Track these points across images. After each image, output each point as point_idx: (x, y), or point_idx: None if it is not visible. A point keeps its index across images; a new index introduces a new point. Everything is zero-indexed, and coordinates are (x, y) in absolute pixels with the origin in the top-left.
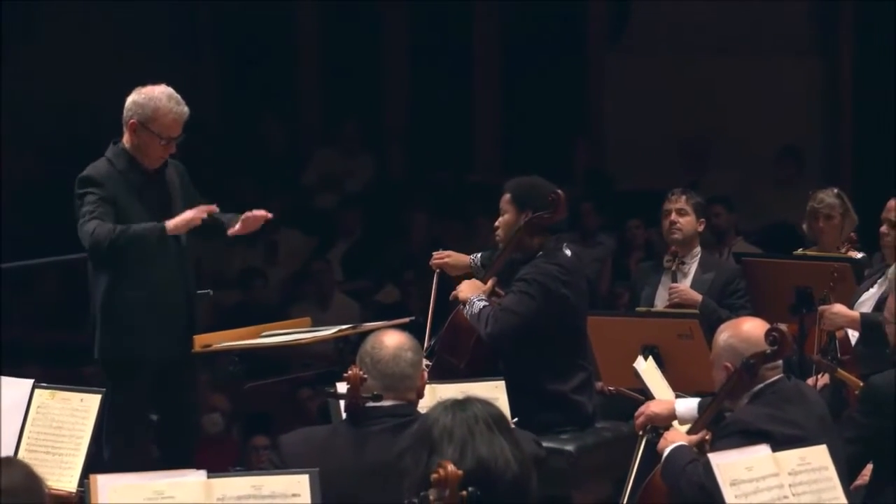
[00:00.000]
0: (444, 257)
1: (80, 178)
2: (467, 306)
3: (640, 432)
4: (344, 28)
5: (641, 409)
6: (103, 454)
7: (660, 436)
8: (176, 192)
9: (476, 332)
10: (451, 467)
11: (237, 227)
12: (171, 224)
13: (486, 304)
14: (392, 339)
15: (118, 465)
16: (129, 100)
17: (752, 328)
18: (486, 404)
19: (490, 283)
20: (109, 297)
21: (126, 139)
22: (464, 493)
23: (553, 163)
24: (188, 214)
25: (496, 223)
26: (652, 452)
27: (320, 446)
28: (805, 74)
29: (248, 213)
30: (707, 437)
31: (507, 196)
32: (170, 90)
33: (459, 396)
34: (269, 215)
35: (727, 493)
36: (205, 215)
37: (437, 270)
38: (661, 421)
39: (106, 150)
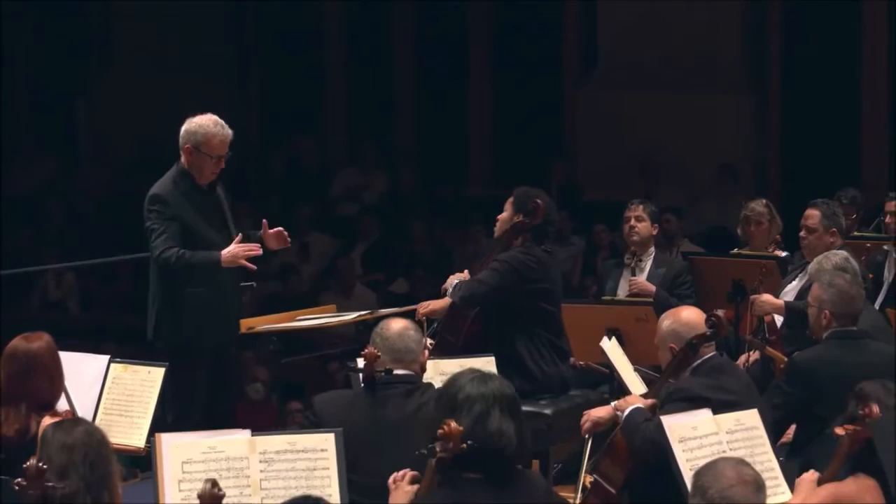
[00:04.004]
0: (427, 307)
1: (150, 196)
2: (449, 287)
3: (587, 436)
4: (364, 67)
5: (585, 416)
6: (167, 417)
7: (599, 463)
8: (225, 206)
9: (470, 316)
10: (454, 424)
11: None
12: (225, 257)
13: (460, 281)
14: (398, 324)
15: (179, 426)
16: (183, 129)
17: (689, 315)
18: (505, 385)
19: None
20: (173, 292)
21: (183, 161)
22: (464, 445)
23: (534, 178)
24: (237, 253)
25: (497, 217)
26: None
27: (346, 406)
28: (741, 107)
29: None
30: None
31: (511, 198)
32: (215, 117)
33: (454, 370)
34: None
35: (676, 448)
36: (249, 258)
37: (424, 319)
38: (604, 423)
39: (170, 169)
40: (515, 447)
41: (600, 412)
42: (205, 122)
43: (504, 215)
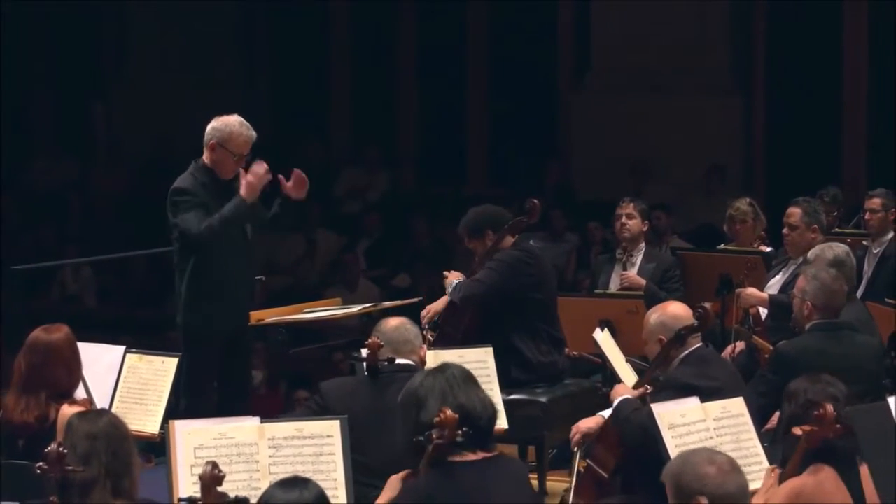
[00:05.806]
0: (429, 312)
1: (173, 189)
2: (448, 287)
3: (576, 448)
4: (368, 73)
5: (574, 429)
6: (180, 405)
7: (591, 449)
8: None
9: (470, 310)
10: (450, 412)
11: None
12: (243, 193)
13: (460, 281)
14: (396, 319)
15: (191, 413)
16: (210, 126)
17: (676, 309)
18: (456, 366)
19: None
20: (193, 281)
21: (206, 156)
22: (459, 432)
23: (531, 179)
24: (250, 179)
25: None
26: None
27: (350, 391)
28: (728, 109)
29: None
30: (648, 391)
31: (465, 239)
32: (241, 118)
33: (453, 361)
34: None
35: (666, 434)
36: (263, 179)
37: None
38: (594, 435)
39: (189, 166)
40: (491, 411)
41: (589, 423)
42: (231, 121)
43: (478, 250)
